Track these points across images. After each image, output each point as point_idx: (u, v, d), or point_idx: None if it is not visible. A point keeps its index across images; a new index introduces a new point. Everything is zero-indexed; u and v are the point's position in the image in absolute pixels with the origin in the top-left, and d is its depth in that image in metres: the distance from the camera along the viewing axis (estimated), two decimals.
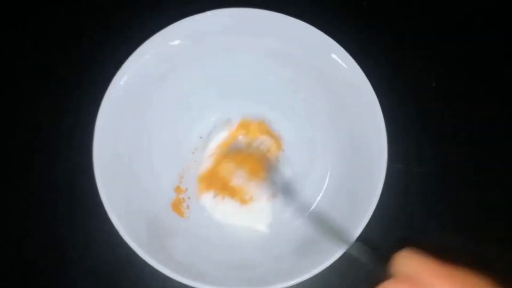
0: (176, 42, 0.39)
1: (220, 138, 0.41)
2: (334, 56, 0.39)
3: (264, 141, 0.41)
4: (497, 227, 0.43)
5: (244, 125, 0.42)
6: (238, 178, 0.40)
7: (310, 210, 0.41)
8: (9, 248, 0.41)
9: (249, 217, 0.40)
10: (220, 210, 0.40)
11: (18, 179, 0.42)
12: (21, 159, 0.43)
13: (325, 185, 0.42)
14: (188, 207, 0.40)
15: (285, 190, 0.40)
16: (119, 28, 0.45)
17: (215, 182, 0.40)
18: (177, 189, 0.41)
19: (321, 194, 0.41)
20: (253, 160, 0.40)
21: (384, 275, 0.27)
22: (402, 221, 0.42)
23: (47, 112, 0.44)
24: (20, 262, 0.41)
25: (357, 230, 0.35)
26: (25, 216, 0.41)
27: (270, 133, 0.42)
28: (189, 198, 0.41)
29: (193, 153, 0.42)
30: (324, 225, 0.39)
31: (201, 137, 0.42)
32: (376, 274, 0.28)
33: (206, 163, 0.41)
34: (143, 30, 0.39)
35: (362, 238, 0.36)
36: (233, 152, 0.40)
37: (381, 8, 0.48)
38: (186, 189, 0.41)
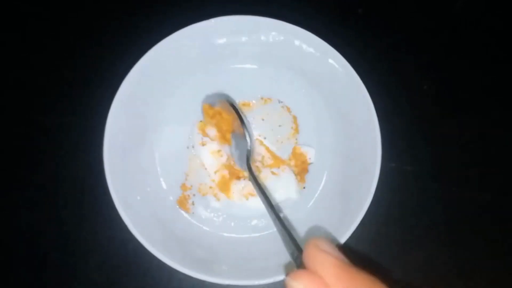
0: (182, 47, 0.41)
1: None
2: (331, 61, 0.41)
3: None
4: (486, 223, 0.44)
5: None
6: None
7: (308, 206, 0.43)
8: (22, 244, 0.42)
9: (276, 194, 0.42)
10: (253, 201, 0.42)
11: (30, 178, 0.44)
12: (33, 159, 0.44)
13: (323, 183, 0.43)
14: (193, 203, 0.42)
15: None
16: (127, 32, 0.47)
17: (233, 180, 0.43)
18: (183, 187, 0.42)
19: (318, 191, 0.43)
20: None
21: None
22: (395, 217, 0.44)
23: (58, 113, 0.45)
24: (32, 257, 0.42)
25: (353, 225, 0.37)
26: (37, 212, 0.43)
27: None
28: (194, 195, 0.42)
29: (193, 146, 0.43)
30: (322, 220, 0.41)
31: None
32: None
33: (217, 175, 0.43)
34: (151, 35, 0.41)
35: (357, 233, 0.37)
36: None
37: (375, 15, 0.50)
38: (191, 186, 0.43)
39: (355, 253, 0.42)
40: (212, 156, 0.42)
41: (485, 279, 0.43)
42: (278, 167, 0.43)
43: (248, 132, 0.39)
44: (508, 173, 0.46)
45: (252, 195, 0.42)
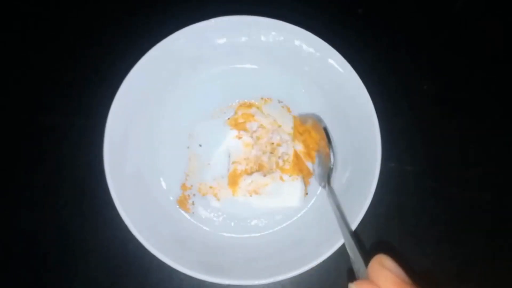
0: (182, 47, 0.41)
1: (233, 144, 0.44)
2: (331, 61, 0.41)
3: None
4: (486, 223, 0.44)
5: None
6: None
7: (309, 205, 0.43)
8: (22, 244, 0.42)
9: (280, 198, 0.42)
10: (255, 199, 0.42)
11: (31, 178, 0.44)
12: (33, 159, 0.44)
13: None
14: (193, 203, 0.42)
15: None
16: (127, 32, 0.47)
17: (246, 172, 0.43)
18: (183, 187, 0.43)
19: (318, 191, 0.43)
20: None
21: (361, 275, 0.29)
22: (395, 217, 0.44)
23: (58, 113, 0.45)
24: (32, 257, 0.42)
25: (353, 225, 0.37)
26: (37, 212, 0.43)
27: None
28: (194, 194, 0.42)
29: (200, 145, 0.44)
30: (322, 220, 0.41)
31: (200, 145, 0.44)
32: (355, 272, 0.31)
33: (231, 166, 0.43)
34: (151, 35, 0.41)
35: (357, 233, 0.37)
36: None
37: (375, 15, 0.50)
38: (191, 186, 0.43)
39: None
40: (243, 147, 0.43)
41: (485, 279, 0.43)
42: (290, 175, 0.43)
43: (333, 152, 0.40)
44: (508, 173, 0.46)
45: (256, 193, 0.42)
